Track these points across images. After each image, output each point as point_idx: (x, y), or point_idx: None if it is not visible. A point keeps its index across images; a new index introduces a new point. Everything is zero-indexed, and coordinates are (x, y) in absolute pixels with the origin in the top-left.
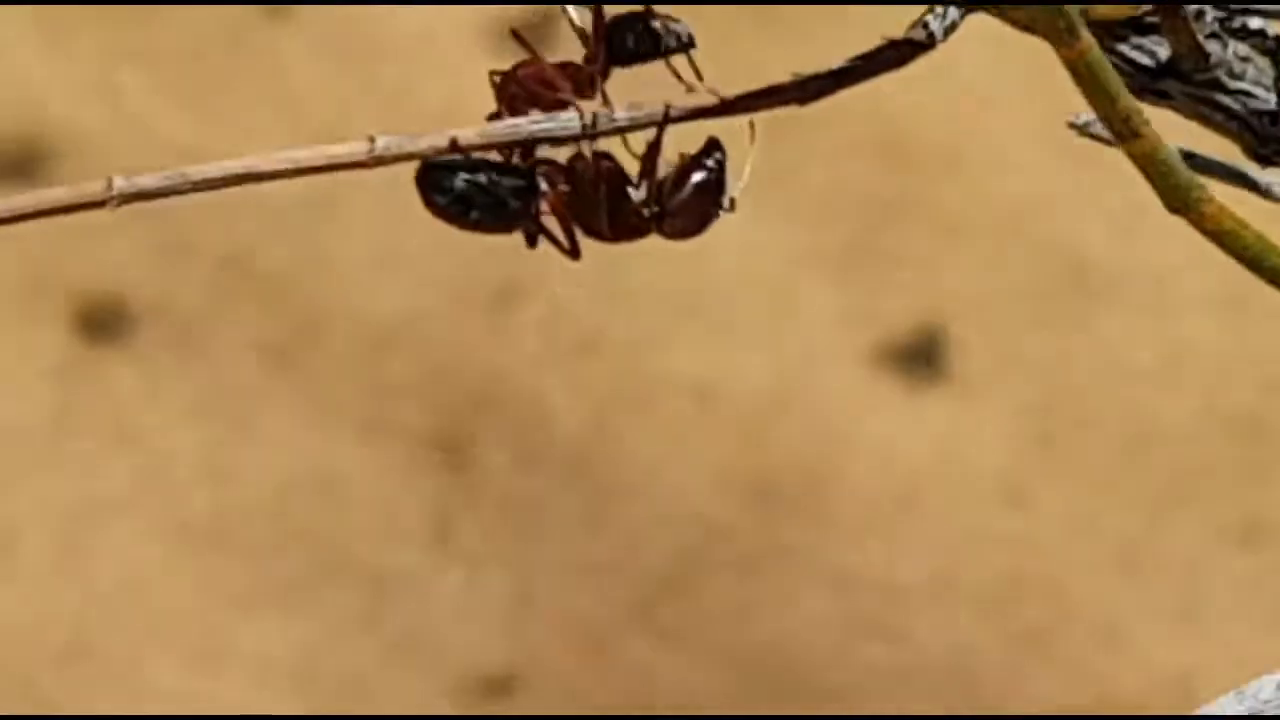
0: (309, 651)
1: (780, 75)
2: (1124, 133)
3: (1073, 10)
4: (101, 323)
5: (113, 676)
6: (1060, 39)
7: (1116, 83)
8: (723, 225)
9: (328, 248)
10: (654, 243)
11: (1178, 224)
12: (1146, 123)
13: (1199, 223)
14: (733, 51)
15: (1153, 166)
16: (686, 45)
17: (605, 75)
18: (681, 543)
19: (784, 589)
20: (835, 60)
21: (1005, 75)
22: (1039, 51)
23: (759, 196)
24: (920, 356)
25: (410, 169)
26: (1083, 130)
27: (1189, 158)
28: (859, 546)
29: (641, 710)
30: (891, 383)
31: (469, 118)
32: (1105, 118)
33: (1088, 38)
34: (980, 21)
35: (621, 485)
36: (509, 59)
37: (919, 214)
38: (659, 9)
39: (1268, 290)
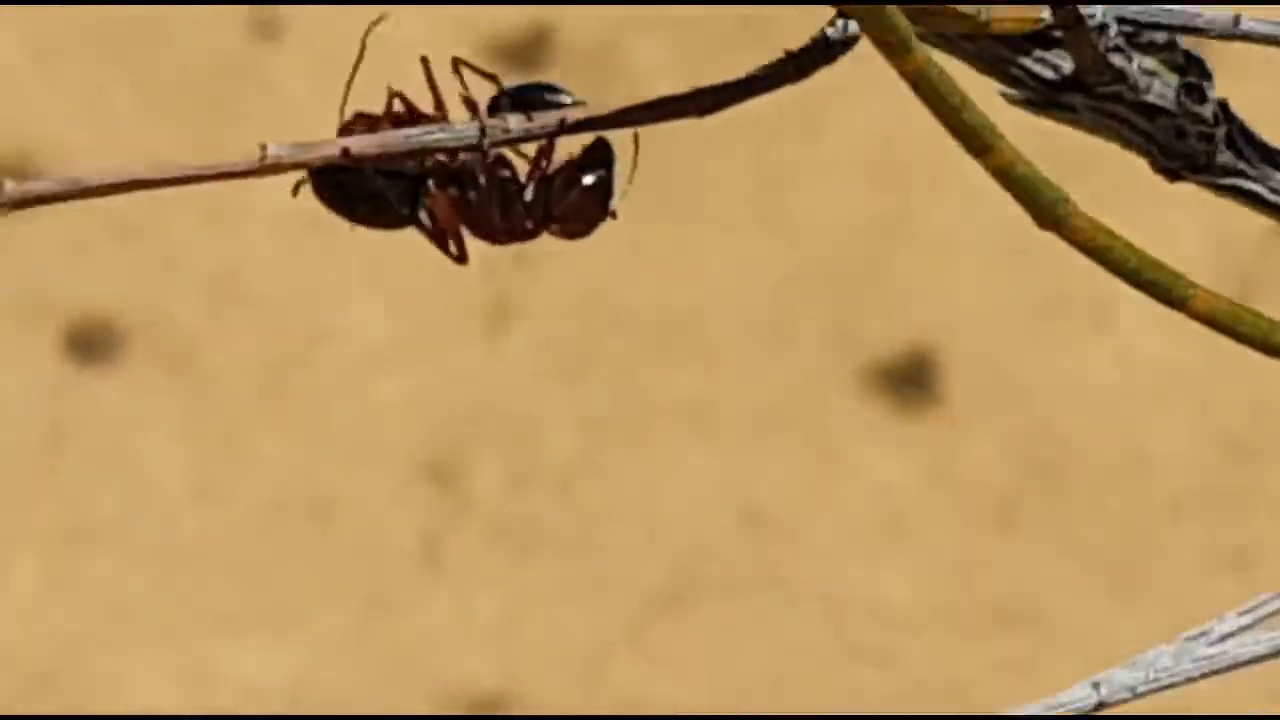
0: (299, 672)
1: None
2: (976, 147)
3: (903, 22)
4: (92, 343)
5: (101, 699)
6: (892, 51)
7: (960, 96)
8: (713, 247)
9: (319, 267)
10: (646, 265)
11: (1168, 245)
12: (1001, 137)
13: (1070, 237)
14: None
15: (1012, 182)
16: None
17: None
18: (671, 565)
19: (773, 612)
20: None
21: (995, 95)
22: None
23: (750, 218)
24: (911, 380)
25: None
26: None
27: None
28: (848, 570)
29: None
30: (882, 406)
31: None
32: (954, 133)
33: (921, 51)
34: None
35: (612, 507)
36: (502, 76)
37: (909, 235)
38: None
39: None
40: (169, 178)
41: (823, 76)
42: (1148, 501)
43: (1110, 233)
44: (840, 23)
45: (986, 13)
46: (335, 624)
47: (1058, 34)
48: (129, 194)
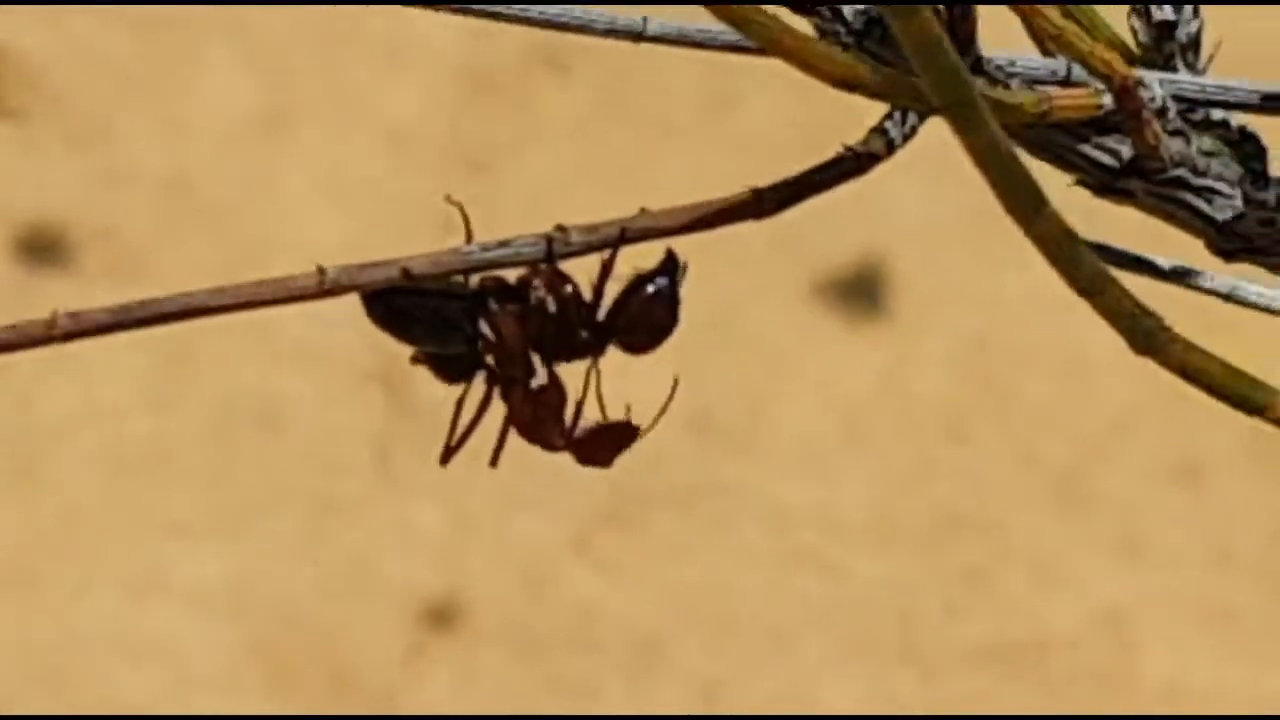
0: (246, 578)
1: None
2: (1089, 291)
3: (1032, 184)
4: (42, 248)
5: (51, 604)
6: (1026, 219)
7: (1081, 251)
8: (663, 157)
9: (271, 174)
10: (596, 173)
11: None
12: (1113, 279)
13: (1164, 362)
14: None
15: (1118, 319)
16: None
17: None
18: (619, 475)
19: (722, 522)
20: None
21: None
22: None
23: (699, 129)
24: (860, 290)
25: (357, 79)
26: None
27: (1098, 249)
28: (797, 481)
29: (579, 639)
30: (831, 316)
31: (415, 39)
32: (1070, 281)
33: (1053, 214)
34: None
35: None
36: None
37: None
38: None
39: None
40: (226, 304)
41: None
42: (1096, 412)
43: (1203, 353)
44: (898, 115)
45: (1046, 101)
46: (284, 529)
47: (1117, 119)
48: (90, 101)
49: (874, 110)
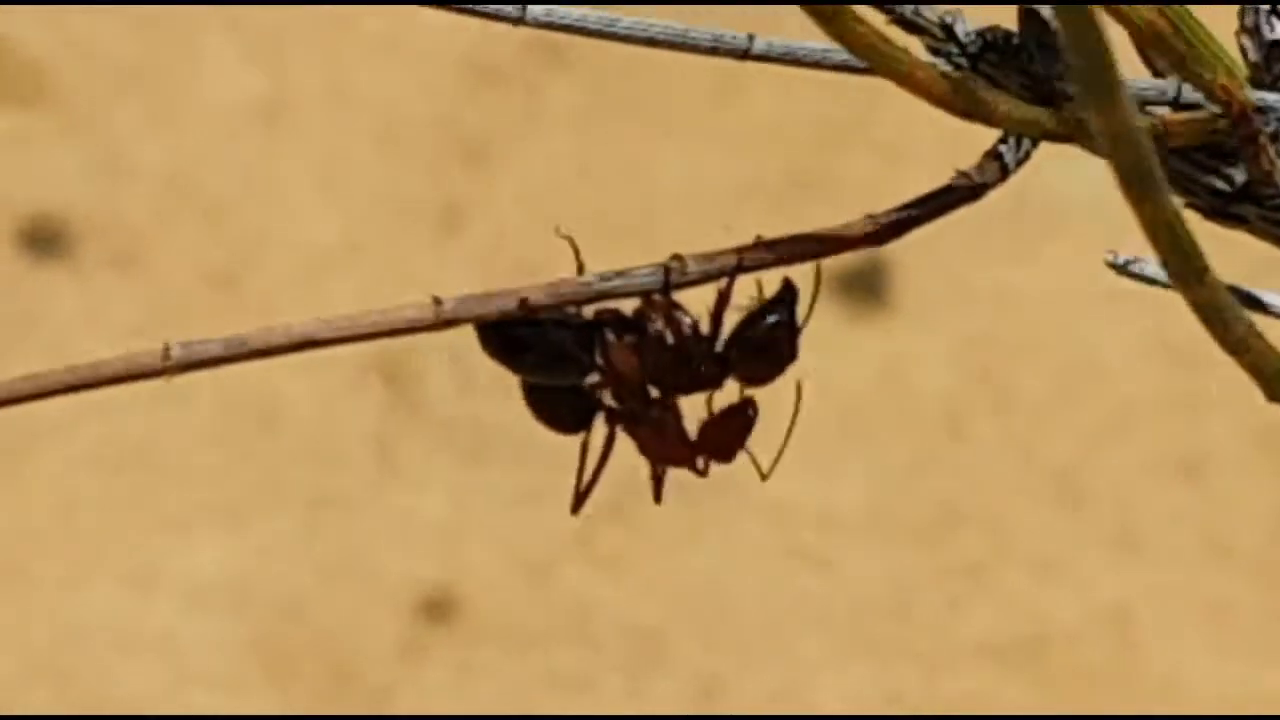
0: (245, 573)
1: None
2: (1238, 349)
3: (1198, 253)
4: (44, 241)
5: (49, 601)
6: (1188, 285)
7: (1237, 314)
8: (665, 151)
9: (270, 167)
10: (598, 171)
11: None
12: (1259, 335)
13: None
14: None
15: (1262, 374)
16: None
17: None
18: (620, 470)
19: (721, 518)
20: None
21: None
22: None
23: (705, 122)
24: (862, 285)
25: (356, 72)
26: (1121, 269)
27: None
28: (797, 475)
29: (578, 634)
30: (833, 311)
31: (415, 32)
32: (1220, 341)
33: (1215, 281)
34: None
35: None
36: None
37: (861, 141)
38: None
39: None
40: (342, 335)
41: None
42: (1096, 407)
43: None
44: (1012, 140)
45: (1160, 125)
46: (284, 525)
47: (1230, 144)
48: (89, 95)
49: (882, 105)
